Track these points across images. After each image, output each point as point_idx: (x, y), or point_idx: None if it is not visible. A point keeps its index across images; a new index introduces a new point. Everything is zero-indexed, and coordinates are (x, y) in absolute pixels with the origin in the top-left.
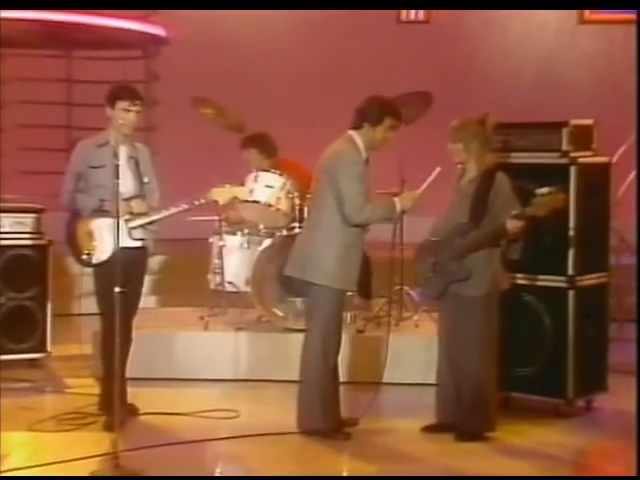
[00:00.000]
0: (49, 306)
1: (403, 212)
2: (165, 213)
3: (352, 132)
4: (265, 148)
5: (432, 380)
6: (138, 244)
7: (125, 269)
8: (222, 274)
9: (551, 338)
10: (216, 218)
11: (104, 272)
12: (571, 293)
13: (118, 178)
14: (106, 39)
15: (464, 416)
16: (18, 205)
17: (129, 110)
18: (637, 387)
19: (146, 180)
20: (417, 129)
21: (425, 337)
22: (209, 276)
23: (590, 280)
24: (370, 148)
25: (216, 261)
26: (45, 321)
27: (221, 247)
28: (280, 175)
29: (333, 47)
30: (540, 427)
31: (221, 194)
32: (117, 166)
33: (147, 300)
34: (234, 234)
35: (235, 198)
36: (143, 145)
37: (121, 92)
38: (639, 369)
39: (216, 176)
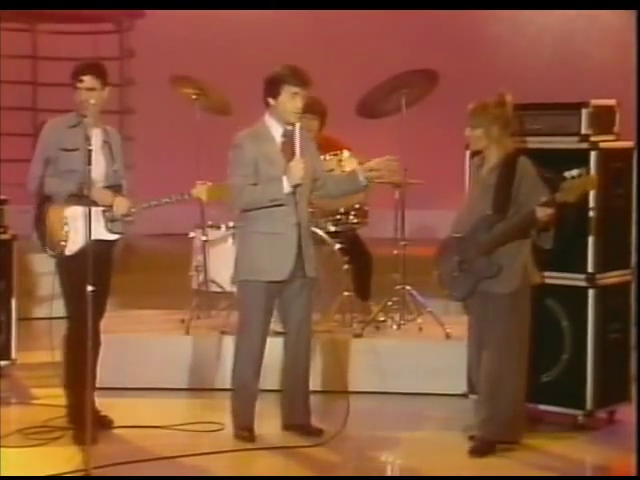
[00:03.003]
0: (14, 308)
1: (297, 185)
2: (144, 205)
3: (266, 114)
4: (324, 117)
5: (439, 390)
6: (114, 237)
7: (95, 264)
8: (205, 272)
9: (569, 343)
10: None
11: (73, 266)
12: (591, 293)
13: (90, 164)
14: (75, 11)
15: (481, 425)
16: None
17: (77, 88)
18: (637, 393)
19: (116, 168)
20: (421, 111)
21: (430, 342)
22: (191, 274)
23: (612, 278)
24: (286, 123)
25: (198, 258)
26: (10, 325)
27: (204, 242)
28: None
29: (328, 18)
30: (557, 441)
31: (205, 192)
32: (90, 151)
33: (122, 301)
34: (218, 228)
35: (219, 197)
36: (114, 129)
37: (81, 69)
38: (639, 374)
39: (199, 163)
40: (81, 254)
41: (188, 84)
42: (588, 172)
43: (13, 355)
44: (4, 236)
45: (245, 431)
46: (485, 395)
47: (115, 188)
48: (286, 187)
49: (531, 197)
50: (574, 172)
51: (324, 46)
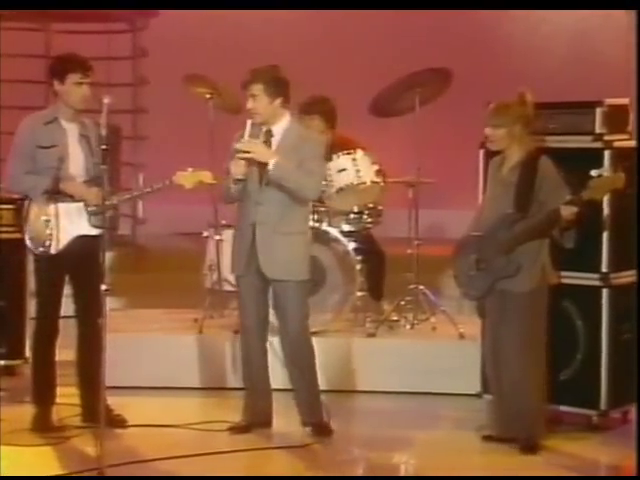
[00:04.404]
0: (27, 307)
1: (239, 180)
2: (126, 196)
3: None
4: (329, 116)
5: (452, 390)
6: (97, 232)
7: (82, 260)
8: (218, 271)
9: (583, 343)
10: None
11: (52, 266)
12: (605, 292)
13: (105, 164)
14: (88, 11)
15: (516, 428)
16: None
17: (81, 83)
18: (637, 389)
19: (96, 161)
20: (435, 110)
21: (443, 342)
22: (204, 273)
23: (626, 278)
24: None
25: (212, 257)
26: (22, 324)
27: (217, 241)
28: None
29: (341, 18)
30: (571, 442)
31: (186, 178)
32: (106, 150)
33: (134, 301)
34: (231, 227)
35: (201, 182)
36: (92, 121)
37: (71, 64)
38: (639, 368)
39: (212, 162)
40: (63, 253)
41: (201, 83)
42: (615, 170)
43: (26, 354)
44: (17, 235)
45: (239, 423)
46: (509, 395)
47: (97, 181)
48: (231, 184)
49: (553, 196)
50: (599, 171)
51: (337, 45)
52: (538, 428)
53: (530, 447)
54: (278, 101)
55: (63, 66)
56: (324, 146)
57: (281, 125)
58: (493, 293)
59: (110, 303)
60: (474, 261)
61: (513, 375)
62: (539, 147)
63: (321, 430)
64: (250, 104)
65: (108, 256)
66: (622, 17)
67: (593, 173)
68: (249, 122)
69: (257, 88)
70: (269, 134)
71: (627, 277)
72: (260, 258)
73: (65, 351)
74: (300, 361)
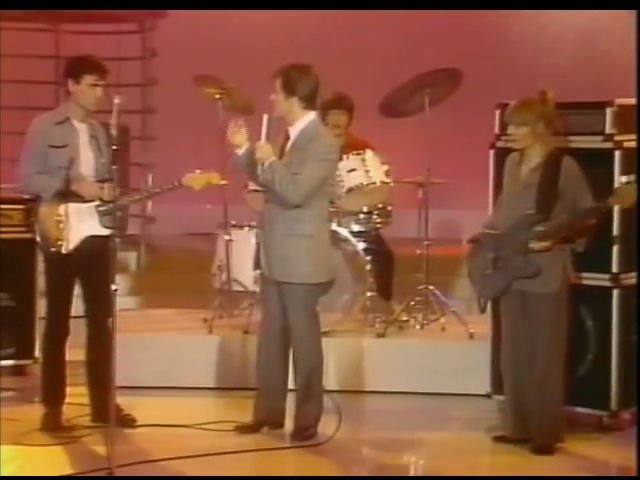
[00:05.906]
0: (37, 307)
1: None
2: (136, 197)
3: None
4: (352, 112)
5: (462, 390)
6: (108, 232)
7: (92, 260)
8: (228, 272)
9: (593, 343)
10: None
11: (63, 265)
12: (616, 293)
13: (116, 164)
14: (98, 11)
15: (534, 428)
16: (4, 195)
17: (96, 85)
18: (637, 390)
19: (103, 161)
20: (445, 110)
21: (453, 342)
22: (213, 273)
23: (636, 278)
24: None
25: (221, 257)
26: (32, 324)
27: (227, 242)
28: None
29: (351, 18)
30: (582, 442)
31: (195, 180)
32: (116, 150)
33: (143, 300)
34: (241, 228)
35: (209, 184)
36: (99, 122)
37: (88, 65)
38: (639, 370)
39: (222, 163)
40: (73, 253)
41: (211, 84)
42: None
43: (36, 354)
44: (28, 235)
45: (247, 423)
46: (531, 395)
47: (106, 181)
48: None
49: (578, 197)
50: (627, 178)
51: (347, 46)
52: (558, 428)
53: (546, 447)
54: (294, 99)
55: (80, 67)
56: (332, 148)
57: (299, 125)
58: (510, 293)
59: (119, 303)
60: (491, 260)
61: (537, 376)
62: (561, 147)
63: (298, 435)
64: (272, 97)
65: (118, 256)
66: (631, 17)
67: (623, 180)
68: (265, 116)
69: (276, 82)
70: (286, 136)
71: (635, 278)
72: (262, 257)
73: (75, 351)
74: (301, 364)
